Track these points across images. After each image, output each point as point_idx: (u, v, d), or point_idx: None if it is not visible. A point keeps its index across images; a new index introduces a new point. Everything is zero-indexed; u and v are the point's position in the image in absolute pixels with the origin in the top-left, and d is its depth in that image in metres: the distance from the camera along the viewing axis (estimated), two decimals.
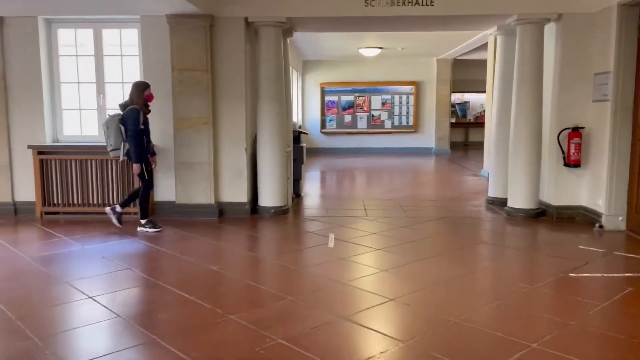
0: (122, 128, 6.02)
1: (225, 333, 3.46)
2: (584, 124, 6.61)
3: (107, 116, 6.16)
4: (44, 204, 6.97)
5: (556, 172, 6.82)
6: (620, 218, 6.16)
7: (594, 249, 5.45)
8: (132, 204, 6.50)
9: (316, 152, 15.25)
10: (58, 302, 4.04)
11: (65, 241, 5.83)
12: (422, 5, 6.68)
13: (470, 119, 18.52)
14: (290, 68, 8.82)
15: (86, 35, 7.10)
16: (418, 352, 3.17)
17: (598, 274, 4.66)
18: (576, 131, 6.59)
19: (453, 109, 17.44)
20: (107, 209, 6.39)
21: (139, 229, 6.22)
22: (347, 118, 15.88)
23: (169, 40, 6.68)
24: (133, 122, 5.96)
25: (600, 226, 6.21)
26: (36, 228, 6.50)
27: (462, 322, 3.56)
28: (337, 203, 8.26)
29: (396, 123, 15.92)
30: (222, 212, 6.99)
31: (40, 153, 6.92)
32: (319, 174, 11.87)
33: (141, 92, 6.08)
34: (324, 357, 3.11)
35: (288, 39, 7.77)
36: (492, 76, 9.67)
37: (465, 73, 16.75)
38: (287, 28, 7.31)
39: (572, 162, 6.64)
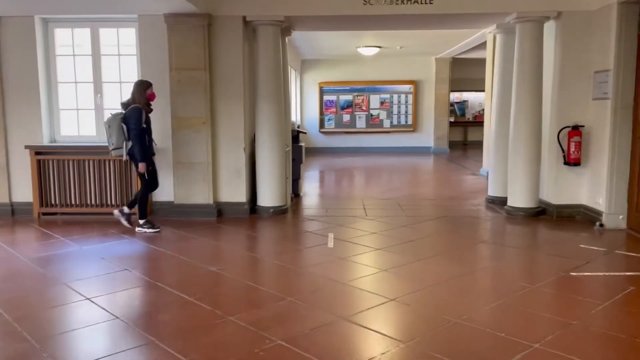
0: (124, 127, 5.98)
1: (225, 334, 3.43)
2: (584, 122, 6.58)
3: (110, 115, 6.11)
4: (41, 205, 6.93)
5: (556, 170, 6.80)
6: (620, 217, 6.14)
7: (595, 247, 5.42)
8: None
9: (315, 151, 15.21)
10: (56, 304, 4.00)
11: (63, 242, 5.79)
12: (421, 3, 6.65)
13: (469, 118, 18.49)
14: (289, 67, 8.78)
15: (83, 34, 7.06)
16: (419, 353, 3.14)
17: (599, 273, 4.64)
18: (576, 129, 6.56)
19: (452, 108, 17.40)
20: (116, 212, 6.32)
21: (137, 229, 6.18)
22: (346, 117, 15.85)
23: (166, 40, 6.64)
24: (135, 121, 5.92)
25: (601, 225, 6.19)
26: (34, 229, 6.46)
27: (463, 322, 3.54)
28: (336, 202, 8.23)
29: (395, 122, 15.90)
30: (220, 212, 6.96)
31: (37, 153, 6.88)
32: (317, 173, 11.84)
33: (143, 91, 6.05)
34: (323, 358, 3.08)
35: (286, 38, 7.75)
36: (491, 75, 9.65)
37: (464, 72, 16.72)
38: (286, 27, 7.28)
39: (572, 161, 6.62)
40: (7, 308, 3.83)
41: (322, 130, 15.84)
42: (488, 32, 9.62)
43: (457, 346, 3.24)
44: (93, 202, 6.95)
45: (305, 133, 10.48)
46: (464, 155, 15.16)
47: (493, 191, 7.79)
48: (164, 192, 6.82)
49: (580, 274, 4.59)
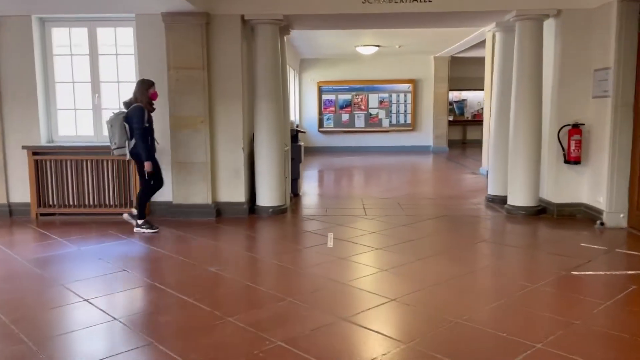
0: (127, 126, 5.95)
1: (224, 335, 3.40)
2: (584, 120, 6.56)
3: (112, 114, 6.07)
4: (39, 205, 6.89)
5: (556, 169, 6.77)
6: (621, 215, 6.11)
7: (596, 246, 5.40)
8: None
9: (314, 151, 15.18)
10: (53, 305, 3.97)
11: (61, 243, 5.75)
12: (420, 2, 6.62)
13: (467, 117, 18.46)
14: (287, 67, 8.75)
15: (81, 34, 7.02)
16: (420, 354, 3.10)
17: (601, 272, 4.61)
18: (576, 128, 6.54)
19: (450, 107, 17.38)
20: (125, 215, 6.25)
21: (135, 229, 6.15)
22: (345, 117, 15.82)
23: (164, 39, 6.60)
24: (138, 120, 5.88)
25: (602, 223, 6.16)
26: (31, 229, 6.42)
27: (464, 323, 3.51)
28: (336, 202, 8.20)
29: (394, 121, 15.87)
30: (219, 212, 6.92)
31: (35, 154, 6.83)
32: (316, 173, 11.81)
33: (146, 90, 6.01)
34: (324, 359, 3.04)
35: (285, 37, 7.71)
36: (491, 73, 9.64)
37: (463, 71, 16.69)
38: (284, 26, 7.24)
39: (572, 159, 6.59)
40: (4, 310, 3.80)
41: (321, 129, 15.81)
42: (487, 31, 9.60)
43: (459, 347, 3.21)
44: (91, 202, 6.91)
45: (304, 132, 10.45)
46: (463, 154, 15.13)
47: (493, 190, 7.76)
48: (163, 192, 6.75)
49: (582, 273, 4.56)
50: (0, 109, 6.86)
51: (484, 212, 7.30)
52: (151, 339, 3.33)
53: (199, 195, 6.79)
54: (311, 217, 7.05)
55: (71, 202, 6.91)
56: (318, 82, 15.75)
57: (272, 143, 6.96)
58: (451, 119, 17.18)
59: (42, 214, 6.92)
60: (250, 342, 3.28)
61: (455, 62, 15.67)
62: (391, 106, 15.82)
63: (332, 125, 15.87)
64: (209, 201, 6.83)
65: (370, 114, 15.82)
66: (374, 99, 15.79)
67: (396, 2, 6.63)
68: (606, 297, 3.99)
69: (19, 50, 6.81)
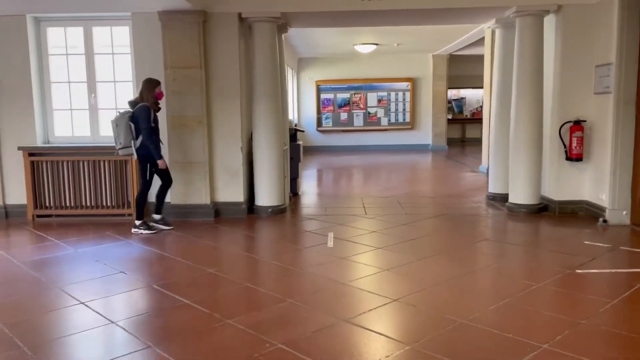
0: (132, 126, 5.88)
1: (223, 338, 3.33)
2: (586, 117, 6.50)
3: (117, 113, 6.00)
4: (35, 207, 6.81)
5: (558, 166, 6.71)
6: (624, 212, 6.05)
7: (599, 244, 5.33)
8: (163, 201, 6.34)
9: (312, 150, 15.11)
10: (49, 309, 3.89)
11: (58, 244, 5.68)
12: None
13: (467, 115, 18.40)
14: (286, 66, 8.68)
15: (76, 33, 6.94)
16: (423, 355, 3.03)
17: (605, 270, 4.54)
18: (578, 124, 6.48)
19: (449, 105, 17.32)
20: (150, 223, 6.18)
21: (133, 230, 6.07)
22: (343, 116, 15.75)
23: (161, 38, 6.53)
24: (144, 120, 5.82)
25: (604, 221, 6.10)
26: (28, 231, 6.34)
27: (468, 323, 3.44)
28: (335, 201, 8.13)
29: (393, 120, 15.81)
30: (218, 212, 6.85)
31: (31, 155, 6.75)
32: (316, 172, 11.75)
33: (152, 89, 5.95)
34: None
35: (283, 35, 7.64)
36: (490, 71, 9.58)
37: (461, 69, 16.63)
38: (282, 24, 7.17)
39: (574, 156, 6.53)
40: None
41: (319, 128, 15.74)
42: (487, 28, 9.53)
43: (463, 348, 3.14)
44: (88, 203, 6.83)
45: (302, 131, 10.38)
46: (462, 153, 15.08)
47: (494, 188, 7.70)
48: None
49: (586, 271, 4.50)
50: None
51: (484, 210, 7.24)
52: (149, 343, 3.26)
53: (198, 196, 6.72)
54: (311, 216, 6.98)
55: (68, 204, 6.83)
56: (316, 81, 15.68)
57: (270, 142, 6.89)
58: (450, 117, 17.11)
59: (38, 216, 6.84)
60: (250, 345, 3.21)
61: (453, 60, 15.62)
62: (390, 105, 15.76)
63: (330, 124, 15.80)
64: (208, 201, 6.75)
65: (369, 113, 15.75)
66: (372, 98, 15.72)
67: None
68: (612, 295, 3.93)
69: (13, 50, 6.73)
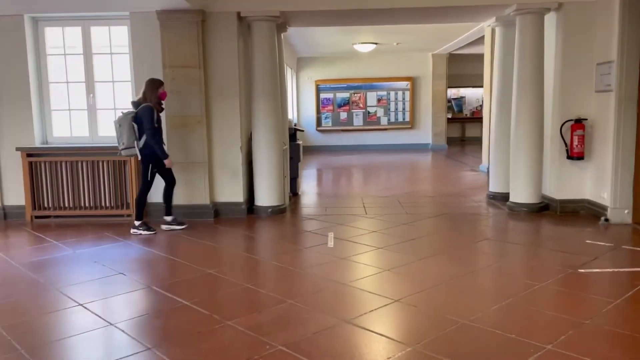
0: (135, 126, 5.85)
1: (223, 340, 3.29)
2: (587, 115, 6.47)
3: (120, 114, 5.97)
4: (34, 208, 6.77)
5: (559, 165, 6.68)
6: (626, 211, 6.02)
7: (601, 243, 5.30)
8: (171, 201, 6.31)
9: (312, 150, 15.08)
10: (47, 310, 3.85)
11: (56, 246, 5.64)
12: None
13: (466, 114, 18.37)
14: (285, 65, 8.64)
15: (74, 33, 6.90)
16: (426, 357, 3.00)
17: (608, 270, 4.51)
18: (579, 123, 6.45)
19: (449, 104, 17.28)
20: (164, 227, 6.17)
21: (132, 230, 6.04)
22: (343, 115, 15.71)
23: (159, 37, 6.49)
24: (148, 120, 5.79)
25: (606, 219, 6.07)
26: (26, 233, 6.30)
27: (471, 324, 3.40)
28: (335, 201, 8.10)
29: (392, 119, 15.77)
30: (217, 212, 6.81)
31: (29, 155, 6.71)
32: (315, 172, 11.71)
33: (155, 90, 5.92)
34: None
35: (282, 35, 7.60)
36: (490, 69, 9.54)
37: (461, 68, 16.60)
38: (281, 23, 7.14)
39: (575, 155, 6.50)
40: None
41: (319, 128, 15.71)
42: (487, 26, 9.49)
43: (466, 349, 3.11)
44: (87, 204, 6.79)
45: (302, 131, 10.34)
46: (462, 152, 15.04)
47: (494, 187, 7.66)
48: (160, 194, 6.64)
49: (588, 270, 4.46)
50: None
51: (485, 209, 7.21)
52: (148, 345, 3.22)
53: (197, 196, 6.68)
54: (311, 216, 6.94)
55: (66, 204, 6.79)
56: (316, 81, 15.64)
57: (270, 142, 6.85)
58: (450, 116, 17.08)
59: (37, 217, 6.81)
60: (250, 347, 3.17)
61: (453, 59, 15.59)
62: (389, 104, 15.72)
63: (330, 123, 15.76)
64: (207, 202, 6.72)
65: (369, 112, 15.72)
66: (372, 97, 15.68)
67: None
68: (615, 295, 3.89)
69: (11, 51, 6.69)
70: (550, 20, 6.64)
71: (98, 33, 6.91)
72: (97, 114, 6.96)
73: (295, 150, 8.02)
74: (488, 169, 8.53)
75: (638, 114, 5.89)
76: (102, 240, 5.83)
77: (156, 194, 6.52)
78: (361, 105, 15.69)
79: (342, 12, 6.78)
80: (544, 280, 4.24)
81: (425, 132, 15.67)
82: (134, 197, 6.55)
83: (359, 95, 15.66)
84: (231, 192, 6.86)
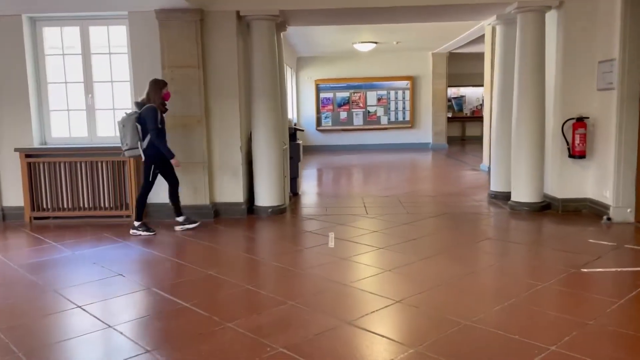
0: (139, 127, 5.82)
1: (223, 342, 3.25)
2: (589, 113, 6.43)
3: (124, 114, 5.93)
4: (32, 209, 6.73)
5: (560, 163, 6.64)
6: (628, 210, 5.98)
7: (604, 242, 5.26)
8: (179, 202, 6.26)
9: (312, 149, 15.04)
10: (45, 313, 3.81)
11: (55, 247, 5.60)
12: None
13: (466, 113, 18.34)
14: (285, 65, 8.60)
15: (73, 33, 6.85)
16: (428, 359, 2.96)
17: (611, 269, 4.47)
18: (581, 121, 6.41)
19: (449, 103, 17.24)
20: (178, 228, 6.14)
21: (131, 231, 6.00)
22: (343, 115, 15.67)
23: (158, 37, 6.45)
24: (152, 121, 5.76)
25: (608, 218, 6.03)
26: (25, 234, 6.27)
27: (473, 325, 3.36)
28: (336, 201, 8.06)
29: (392, 119, 15.73)
30: (217, 213, 6.77)
31: (27, 156, 6.67)
32: (315, 171, 11.67)
33: (159, 90, 5.89)
34: None
35: (282, 34, 7.57)
36: (491, 68, 9.50)
37: (461, 67, 16.57)
38: (281, 22, 7.11)
39: (577, 153, 6.46)
40: None
41: (319, 128, 15.67)
42: (487, 24, 9.46)
43: (468, 350, 3.07)
44: (86, 205, 6.76)
45: (302, 130, 10.30)
46: (462, 151, 15.00)
47: (495, 186, 7.62)
48: (160, 194, 6.59)
49: (592, 270, 4.42)
50: None
51: (486, 208, 7.17)
52: (148, 347, 3.18)
53: (197, 196, 6.64)
54: (311, 216, 6.91)
55: (65, 205, 6.75)
56: (315, 80, 15.60)
57: (270, 142, 6.82)
58: (450, 115, 17.04)
59: (35, 218, 6.77)
60: (250, 349, 3.13)
61: (453, 58, 15.55)
62: (389, 103, 15.68)
63: (330, 123, 15.72)
64: (207, 202, 6.68)
65: (369, 112, 15.68)
66: (372, 97, 15.65)
67: None
68: (619, 295, 3.85)
69: (9, 51, 6.65)
70: (551, 18, 6.60)
71: (96, 33, 6.86)
72: (95, 115, 6.92)
73: (295, 150, 7.98)
74: (489, 168, 8.50)
75: None
76: (101, 242, 5.79)
77: (156, 194, 6.48)
78: (361, 105, 15.65)
79: (341, 10, 6.75)
80: (546, 280, 4.20)
81: (426, 131, 15.63)
82: (133, 197, 6.52)
83: (359, 94, 15.62)
84: (231, 192, 6.82)
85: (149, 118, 5.77)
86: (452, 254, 5.11)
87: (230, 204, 6.82)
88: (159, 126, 5.85)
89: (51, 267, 4.97)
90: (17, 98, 6.71)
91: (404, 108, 15.70)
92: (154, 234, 5.97)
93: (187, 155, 6.56)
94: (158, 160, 5.95)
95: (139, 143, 5.87)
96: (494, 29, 8.96)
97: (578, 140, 6.40)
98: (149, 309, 3.92)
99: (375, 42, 12.80)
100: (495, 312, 3.61)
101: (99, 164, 6.69)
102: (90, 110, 6.92)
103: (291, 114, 13.77)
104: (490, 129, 8.86)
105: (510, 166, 6.95)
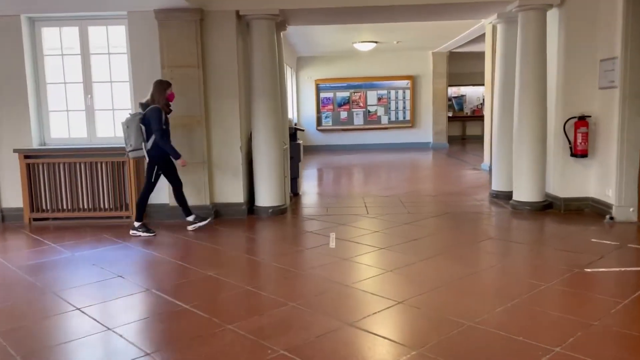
0: (143, 128, 5.79)
1: (224, 344, 3.22)
2: (591, 112, 6.39)
3: (128, 115, 5.91)
4: (32, 210, 6.70)
5: (562, 162, 6.61)
6: (631, 209, 5.94)
7: (607, 242, 5.22)
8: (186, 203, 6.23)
9: (312, 149, 15.00)
10: (44, 315, 3.78)
11: (54, 248, 5.57)
12: None
13: (467, 113, 18.29)
14: (285, 65, 8.56)
15: (72, 34, 6.82)
16: None
17: (615, 269, 4.43)
18: (582, 120, 6.37)
19: (449, 102, 17.20)
20: (190, 228, 6.12)
21: (131, 231, 5.97)
22: (343, 114, 15.64)
23: (157, 37, 6.42)
24: (156, 122, 5.73)
25: (611, 218, 5.99)
26: (24, 235, 6.23)
27: (476, 326, 3.33)
28: (337, 201, 8.02)
29: (393, 118, 15.70)
30: (217, 213, 6.74)
31: (26, 157, 6.64)
32: (316, 171, 11.64)
33: (163, 91, 5.87)
34: None
35: (282, 33, 7.54)
36: (491, 67, 9.47)
37: (461, 66, 16.52)
38: (281, 21, 7.08)
39: (579, 152, 6.43)
40: None
41: (319, 128, 15.64)
42: (488, 23, 9.42)
43: (472, 352, 3.03)
44: (85, 206, 6.72)
45: (302, 130, 10.26)
46: (463, 150, 14.97)
47: (497, 185, 7.58)
48: (159, 195, 6.57)
49: (595, 270, 4.38)
50: None
51: (488, 208, 7.14)
52: (147, 350, 3.15)
53: (196, 197, 6.60)
54: (312, 216, 6.87)
55: (65, 207, 6.72)
56: (315, 80, 15.56)
57: (270, 142, 6.78)
58: (450, 114, 17.00)
59: (35, 219, 6.74)
60: (251, 351, 3.10)
61: (453, 57, 15.51)
62: (390, 103, 15.64)
63: (330, 123, 15.69)
64: (207, 202, 6.65)
65: (369, 111, 15.64)
66: (372, 96, 15.61)
67: None
68: (623, 295, 3.81)
69: (8, 51, 6.62)
70: (552, 17, 6.56)
71: (95, 33, 6.83)
72: (95, 115, 6.89)
73: (295, 149, 7.95)
74: (490, 167, 8.47)
75: None
76: (101, 243, 5.76)
77: (157, 195, 6.45)
78: (361, 105, 15.61)
79: (341, 9, 6.72)
80: (549, 280, 4.16)
81: (426, 130, 15.59)
82: (133, 198, 6.49)
83: (359, 94, 15.58)
84: (231, 192, 6.79)
85: (153, 119, 5.74)
86: (454, 254, 5.08)
87: (230, 204, 6.79)
88: (164, 127, 5.83)
89: (50, 268, 4.94)
90: (16, 99, 6.68)
91: (404, 108, 15.66)
92: (154, 235, 5.94)
93: (187, 155, 6.49)
94: (161, 162, 5.93)
95: (143, 144, 5.84)
96: (494, 28, 8.92)
97: (580, 139, 6.37)
98: (149, 311, 3.89)
99: (376, 42, 12.77)
100: (498, 313, 3.57)
101: (99, 165, 6.65)
102: (90, 110, 6.89)
103: (291, 114, 13.74)
104: (491, 128, 8.83)
105: (512, 165, 6.91)
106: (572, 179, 6.59)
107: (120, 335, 3.37)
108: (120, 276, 4.58)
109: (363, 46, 13.01)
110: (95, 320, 3.63)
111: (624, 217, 5.96)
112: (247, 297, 4.07)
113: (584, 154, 6.41)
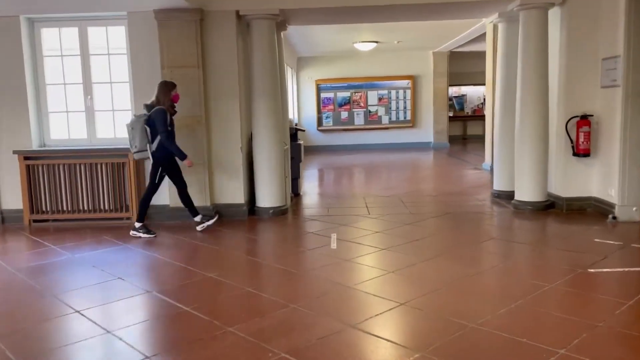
0: (148, 129, 5.76)
1: (224, 347, 3.19)
2: (593, 111, 6.36)
3: (133, 117, 5.89)
4: (32, 212, 6.67)
5: (564, 162, 6.57)
6: (634, 208, 5.90)
7: (610, 241, 5.19)
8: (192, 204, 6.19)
9: (313, 149, 14.97)
10: (43, 318, 3.74)
11: (54, 250, 5.54)
12: None
13: (468, 112, 18.26)
14: (285, 65, 8.54)
15: (71, 34, 6.79)
16: None
17: (618, 269, 4.39)
18: (585, 119, 6.34)
19: (450, 102, 17.16)
20: (198, 228, 6.11)
21: (131, 232, 5.94)
22: (344, 115, 15.61)
23: (157, 37, 6.39)
24: (161, 123, 5.70)
25: (614, 217, 5.95)
26: (24, 237, 6.21)
27: (480, 328, 3.29)
28: (338, 201, 7.99)
29: (393, 118, 15.66)
30: (218, 214, 6.70)
31: (26, 158, 6.62)
32: (317, 172, 11.61)
33: (168, 92, 5.83)
34: None
35: (282, 33, 7.51)
36: (492, 66, 9.43)
37: (461, 66, 16.48)
38: (281, 21, 7.05)
39: (581, 152, 6.39)
40: None
41: (320, 128, 15.60)
42: (488, 22, 9.39)
43: (475, 354, 3.00)
44: (85, 207, 6.69)
45: (303, 130, 10.23)
46: (464, 150, 14.93)
47: (499, 185, 7.55)
48: (160, 196, 6.52)
49: (599, 270, 4.35)
50: None
51: (489, 208, 7.10)
52: (147, 353, 3.12)
53: (197, 198, 6.54)
54: (313, 217, 6.84)
55: (65, 208, 6.69)
56: (316, 80, 15.53)
57: (271, 142, 6.75)
58: (451, 114, 16.96)
59: (35, 221, 6.71)
60: (252, 354, 3.07)
61: (454, 57, 15.48)
62: (390, 103, 15.61)
63: (331, 123, 15.66)
64: (207, 203, 6.61)
65: (370, 111, 15.61)
66: (373, 96, 15.58)
67: None
68: (627, 296, 3.78)
69: (7, 52, 6.59)
70: (554, 15, 6.52)
71: (95, 34, 6.80)
72: (95, 116, 6.86)
73: (296, 150, 7.92)
74: (491, 167, 8.43)
75: None
76: (101, 244, 5.73)
77: (157, 196, 6.41)
78: (362, 105, 15.58)
79: (341, 9, 6.69)
80: (553, 280, 4.13)
81: (427, 130, 15.56)
82: (133, 199, 6.46)
83: (359, 94, 15.55)
84: (232, 193, 6.76)
85: (158, 120, 5.72)
86: (456, 254, 5.05)
87: (231, 205, 6.76)
88: (169, 128, 5.80)
89: (50, 270, 4.91)
90: (15, 100, 6.65)
91: (405, 107, 15.63)
92: (154, 236, 5.91)
93: (189, 155, 6.48)
94: (166, 163, 5.90)
95: (147, 145, 5.81)
96: (495, 27, 8.88)
97: (582, 139, 6.34)
98: (149, 313, 3.86)
99: (376, 42, 12.74)
100: (501, 314, 3.54)
101: (99, 166, 6.63)
102: (90, 111, 6.86)
103: (292, 114, 13.71)
104: (492, 127, 8.79)
105: (514, 165, 6.88)
106: (575, 179, 6.56)
107: (120, 338, 3.35)
108: (121, 278, 4.55)
109: (363, 46, 12.98)
110: (95, 323, 3.60)
111: (626, 217, 5.92)
112: (248, 298, 4.04)
113: (586, 153, 6.38)
